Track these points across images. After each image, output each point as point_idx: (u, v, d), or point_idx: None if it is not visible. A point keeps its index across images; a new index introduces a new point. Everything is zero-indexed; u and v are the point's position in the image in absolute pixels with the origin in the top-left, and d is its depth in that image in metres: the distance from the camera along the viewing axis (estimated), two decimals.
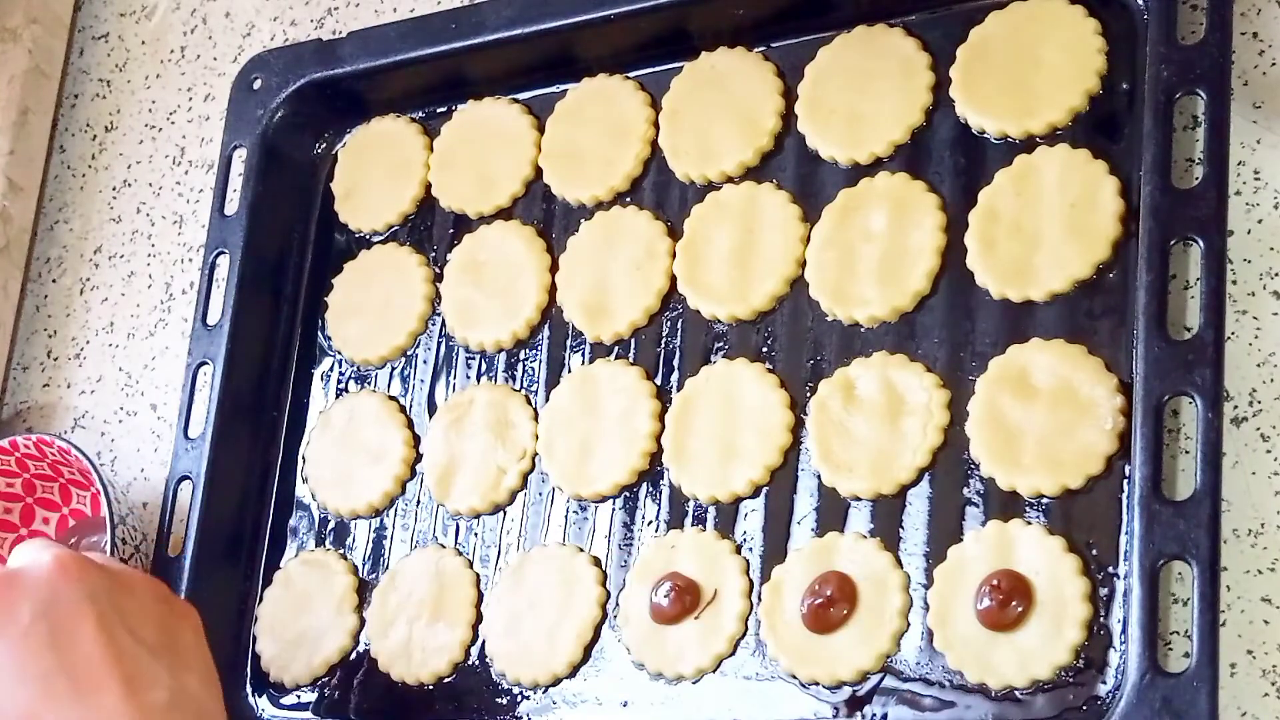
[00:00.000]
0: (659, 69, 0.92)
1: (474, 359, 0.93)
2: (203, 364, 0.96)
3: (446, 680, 0.87)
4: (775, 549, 0.81)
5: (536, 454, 0.88)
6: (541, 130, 0.95)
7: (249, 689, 0.92)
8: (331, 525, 0.94)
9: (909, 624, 0.76)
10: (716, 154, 0.88)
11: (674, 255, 0.88)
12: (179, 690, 0.74)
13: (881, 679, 0.76)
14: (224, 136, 1.01)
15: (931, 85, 0.84)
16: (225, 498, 0.94)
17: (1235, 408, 0.75)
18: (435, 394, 0.93)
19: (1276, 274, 0.76)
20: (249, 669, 0.92)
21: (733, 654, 0.80)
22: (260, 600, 0.93)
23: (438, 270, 0.95)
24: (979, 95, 0.82)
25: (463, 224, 0.96)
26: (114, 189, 1.11)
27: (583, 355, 0.89)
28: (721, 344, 0.86)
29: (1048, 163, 0.79)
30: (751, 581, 0.81)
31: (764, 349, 0.84)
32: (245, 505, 0.95)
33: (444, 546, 0.90)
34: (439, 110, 0.99)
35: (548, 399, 0.89)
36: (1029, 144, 0.81)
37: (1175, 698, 0.68)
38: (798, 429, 0.82)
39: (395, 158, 0.98)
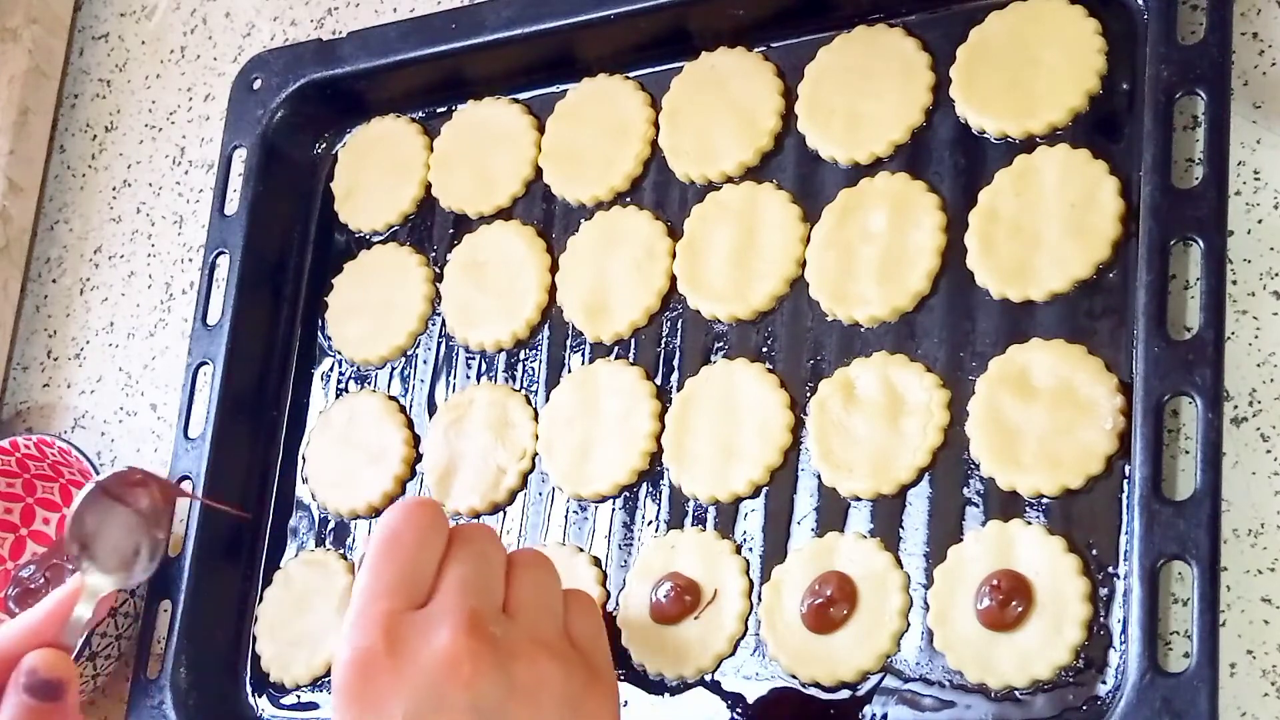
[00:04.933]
0: (659, 69, 0.92)
1: (474, 359, 0.93)
2: (203, 364, 0.96)
3: None
4: (775, 549, 0.81)
5: (536, 454, 0.88)
6: (541, 130, 0.95)
7: (249, 689, 0.92)
8: (331, 525, 0.94)
9: (909, 624, 0.76)
10: (716, 154, 0.88)
11: (674, 255, 0.88)
12: None
13: (881, 679, 0.76)
14: (224, 136, 1.01)
15: (931, 85, 0.84)
16: (225, 498, 0.94)
17: (1235, 408, 0.75)
18: (435, 394, 0.93)
19: (1276, 274, 0.76)
20: (249, 669, 0.92)
21: (733, 654, 0.80)
22: (260, 600, 0.93)
23: (438, 270, 0.95)
24: (979, 95, 0.82)
25: (463, 224, 0.96)
26: (114, 189, 1.11)
27: (583, 355, 0.89)
28: (721, 344, 0.86)
29: (1048, 163, 0.79)
30: (751, 581, 0.81)
31: (764, 349, 0.84)
32: (245, 505, 0.95)
33: None
34: (439, 110, 0.99)
35: (548, 399, 0.89)
36: (1029, 144, 0.81)
37: (1175, 698, 0.68)
38: (798, 429, 0.82)
39: (395, 158, 0.98)
